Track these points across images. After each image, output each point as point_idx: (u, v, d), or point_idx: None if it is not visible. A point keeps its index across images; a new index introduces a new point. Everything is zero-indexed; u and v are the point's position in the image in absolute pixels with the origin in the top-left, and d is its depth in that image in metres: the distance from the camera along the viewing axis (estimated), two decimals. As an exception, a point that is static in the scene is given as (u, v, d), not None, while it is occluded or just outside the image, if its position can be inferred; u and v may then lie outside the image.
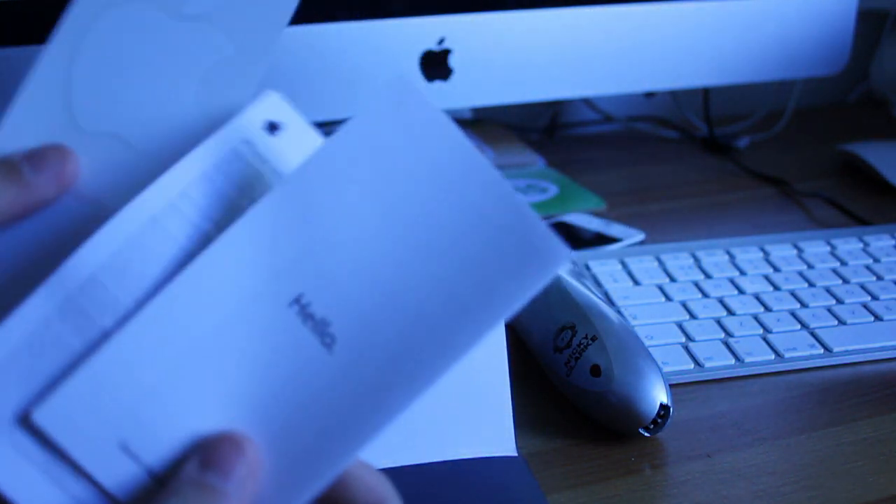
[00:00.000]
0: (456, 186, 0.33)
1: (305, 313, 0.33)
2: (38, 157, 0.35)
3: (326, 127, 0.97)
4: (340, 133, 0.34)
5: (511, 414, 0.48)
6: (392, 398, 0.32)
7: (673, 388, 0.54)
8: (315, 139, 0.37)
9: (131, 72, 0.36)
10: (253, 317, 0.33)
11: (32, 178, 0.34)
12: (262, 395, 0.32)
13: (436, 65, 0.82)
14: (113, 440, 0.32)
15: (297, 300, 0.33)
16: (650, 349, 0.53)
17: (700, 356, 0.58)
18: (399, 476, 0.45)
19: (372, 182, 0.33)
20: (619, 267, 0.68)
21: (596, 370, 0.51)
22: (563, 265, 0.34)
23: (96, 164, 0.36)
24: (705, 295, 0.65)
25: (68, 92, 0.36)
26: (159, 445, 0.32)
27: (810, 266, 0.69)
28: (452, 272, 0.32)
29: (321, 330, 0.32)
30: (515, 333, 0.60)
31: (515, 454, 0.48)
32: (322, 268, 0.33)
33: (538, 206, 0.82)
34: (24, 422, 0.32)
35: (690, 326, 0.61)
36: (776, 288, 0.66)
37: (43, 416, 0.32)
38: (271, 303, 0.32)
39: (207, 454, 0.32)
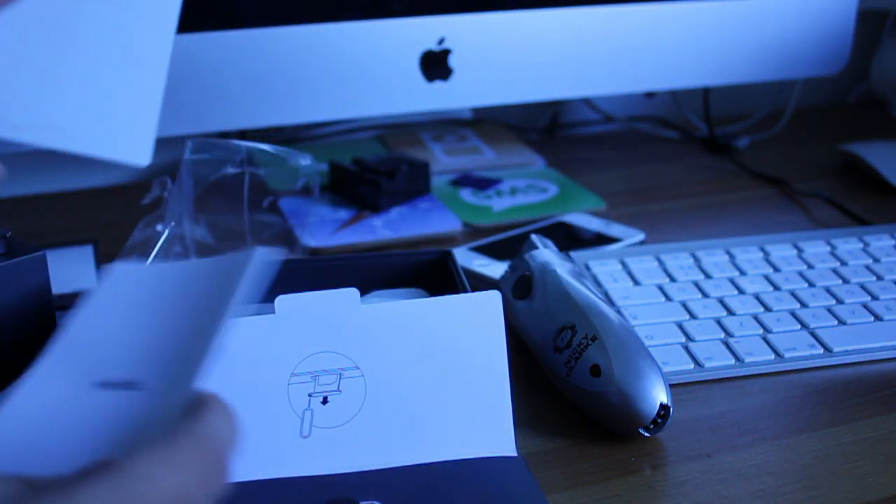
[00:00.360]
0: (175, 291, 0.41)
1: (110, 385, 0.37)
2: None
3: (325, 126, 0.97)
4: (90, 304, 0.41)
5: (511, 414, 0.48)
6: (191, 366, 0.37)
7: (673, 388, 0.54)
8: None
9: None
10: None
11: None
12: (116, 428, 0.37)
13: (436, 65, 0.82)
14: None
15: (99, 384, 0.37)
16: (650, 349, 0.53)
17: (700, 356, 0.58)
18: (399, 476, 0.45)
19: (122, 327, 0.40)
20: (619, 267, 0.68)
21: (596, 370, 0.51)
22: (259, 256, 0.40)
23: None
24: (705, 295, 0.65)
25: None
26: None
27: (810, 266, 0.69)
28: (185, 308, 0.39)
29: (129, 388, 0.37)
30: (515, 333, 0.60)
31: (515, 454, 0.48)
32: (107, 361, 0.38)
33: (538, 207, 0.82)
34: None
35: (690, 326, 0.61)
36: (776, 288, 0.66)
37: None
38: (79, 404, 0.37)
39: None
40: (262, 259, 0.40)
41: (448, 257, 0.56)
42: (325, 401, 0.47)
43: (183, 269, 0.42)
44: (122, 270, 0.43)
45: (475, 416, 0.48)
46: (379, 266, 0.57)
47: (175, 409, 0.35)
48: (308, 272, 0.56)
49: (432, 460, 0.47)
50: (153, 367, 0.38)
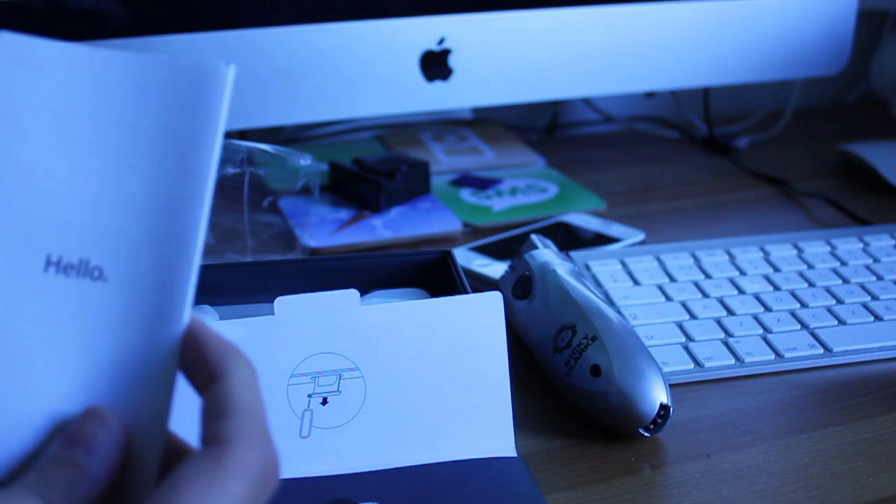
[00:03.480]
0: (89, 87, 0.33)
1: (63, 267, 0.33)
2: None
3: (325, 126, 0.97)
4: None
5: (511, 415, 0.48)
6: (179, 268, 0.33)
7: (673, 388, 0.54)
8: None
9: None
10: (25, 299, 0.33)
11: None
12: (83, 350, 0.33)
13: (436, 65, 0.82)
14: None
15: (48, 262, 0.33)
16: (650, 349, 0.53)
17: (700, 356, 0.58)
18: (399, 477, 0.45)
19: (35, 130, 0.33)
20: (619, 267, 0.68)
21: (596, 370, 0.51)
22: (226, 74, 0.35)
23: None
24: (705, 295, 0.65)
25: None
26: (16, 437, 0.32)
27: (810, 266, 0.69)
28: (146, 152, 0.33)
29: (85, 270, 0.33)
30: (515, 333, 0.60)
31: (515, 455, 0.48)
32: (48, 222, 0.33)
33: (538, 207, 0.82)
34: None
35: (690, 326, 0.61)
36: (776, 288, 0.66)
37: None
38: (30, 280, 0.33)
39: (71, 431, 0.32)
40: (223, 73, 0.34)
41: (448, 257, 0.56)
42: (324, 401, 0.47)
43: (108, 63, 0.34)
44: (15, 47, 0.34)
45: (475, 417, 0.48)
46: (379, 266, 0.57)
47: (169, 338, 0.32)
48: (308, 272, 0.56)
49: (432, 461, 0.47)
50: (111, 235, 0.33)
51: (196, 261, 0.33)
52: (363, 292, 0.55)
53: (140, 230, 0.33)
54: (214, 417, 0.31)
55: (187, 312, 0.33)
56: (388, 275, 0.57)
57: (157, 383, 0.33)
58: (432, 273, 0.57)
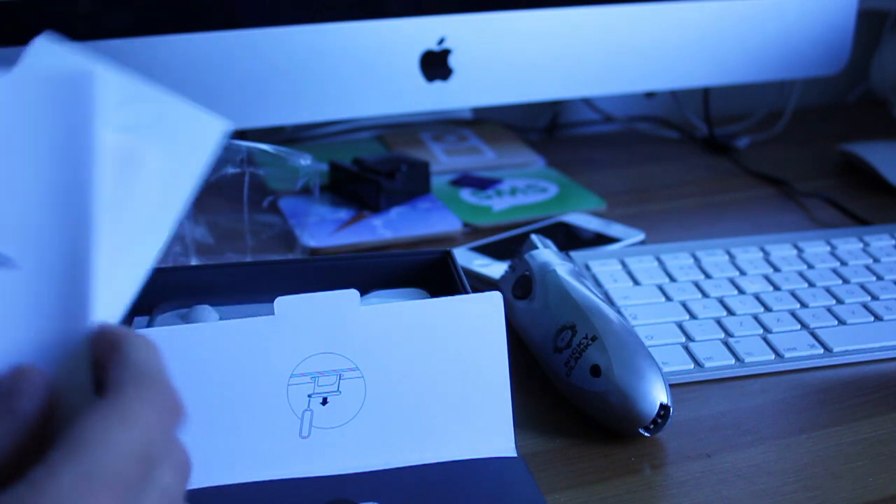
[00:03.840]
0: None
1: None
2: None
3: (325, 126, 0.97)
4: None
5: (511, 415, 0.48)
6: (78, 258, 0.35)
7: (673, 388, 0.54)
8: None
9: None
10: None
11: None
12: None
13: (436, 65, 0.82)
14: None
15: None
16: (650, 349, 0.53)
17: (700, 356, 0.58)
18: (399, 477, 0.45)
19: None
20: (619, 267, 0.68)
21: (596, 370, 0.51)
22: (99, 78, 0.36)
23: None
24: (705, 295, 0.65)
25: None
26: None
27: (810, 266, 0.69)
28: (31, 154, 0.35)
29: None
30: (515, 333, 0.60)
31: (515, 455, 0.48)
32: None
33: (538, 207, 0.82)
34: None
35: (690, 326, 0.61)
36: (776, 288, 0.66)
37: None
38: None
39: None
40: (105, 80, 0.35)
41: (448, 257, 0.56)
42: (324, 401, 0.47)
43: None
44: None
45: (475, 417, 0.48)
46: (379, 266, 0.57)
47: (79, 321, 0.34)
48: (308, 272, 0.56)
49: (432, 461, 0.47)
50: (21, 230, 0.35)
51: (92, 253, 0.34)
52: (363, 292, 0.55)
53: (40, 221, 0.35)
54: (111, 372, 0.33)
55: (93, 301, 0.35)
56: (388, 275, 0.57)
57: (71, 370, 0.35)
58: (432, 273, 0.57)
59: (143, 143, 0.37)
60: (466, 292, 0.52)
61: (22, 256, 0.35)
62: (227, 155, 0.67)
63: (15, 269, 0.35)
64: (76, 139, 0.35)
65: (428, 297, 0.56)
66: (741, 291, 0.65)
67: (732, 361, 0.58)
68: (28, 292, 0.35)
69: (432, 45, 0.81)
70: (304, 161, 0.69)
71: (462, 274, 0.54)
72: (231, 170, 0.67)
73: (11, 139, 0.35)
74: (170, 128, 0.38)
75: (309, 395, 0.47)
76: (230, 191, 0.68)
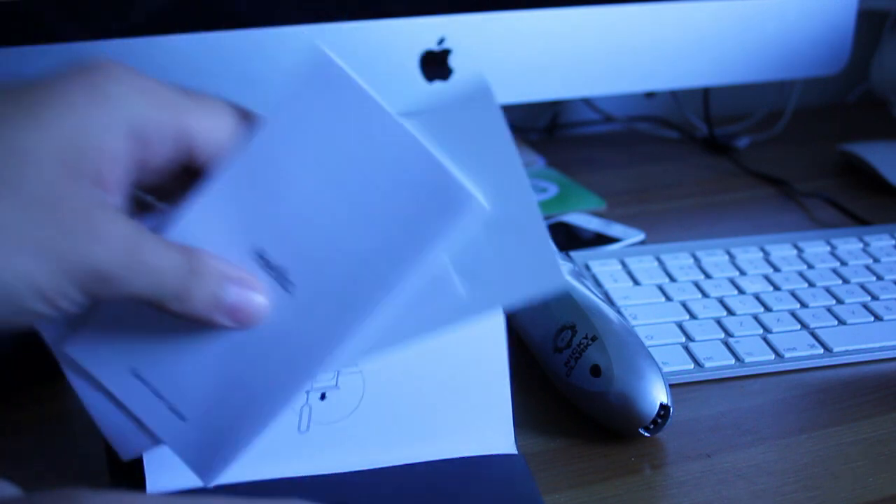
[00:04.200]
0: (378, 147, 0.39)
1: (266, 263, 0.38)
2: (248, 285, 0.38)
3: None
4: (279, 109, 0.39)
5: (511, 411, 0.48)
6: (343, 325, 0.38)
7: (673, 388, 0.54)
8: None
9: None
10: None
11: (228, 299, 0.37)
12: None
13: (436, 65, 0.82)
14: (126, 368, 0.40)
15: (258, 253, 0.38)
16: (650, 349, 0.53)
17: (700, 356, 0.58)
18: (399, 475, 0.45)
19: (311, 150, 0.38)
20: (619, 267, 0.68)
21: (596, 370, 0.51)
22: (473, 210, 0.39)
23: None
24: (705, 295, 0.65)
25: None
26: (165, 373, 0.40)
27: (810, 266, 0.69)
28: (382, 220, 0.38)
29: (281, 277, 0.38)
30: (515, 333, 0.60)
31: (515, 452, 0.48)
32: (276, 225, 0.38)
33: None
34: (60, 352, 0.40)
35: (690, 326, 0.61)
36: (776, 288, 0.66)
37: (72, 348, 0.40)
38: (237, 257, 0.38)
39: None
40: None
41: None
42: (322, 397, 0.47)
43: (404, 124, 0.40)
44: (330, 73, 0.40)
45: (475, 414, 0.48)
46: None
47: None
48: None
49: (431, 458, 0.47)
50: (315, 263, 0.38)
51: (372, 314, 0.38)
52: None
53: (334, 274, 0.38)
54: None
55: (319, 369, 0.39)
56: None
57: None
58: None
59: None
60: None
61: (302, 290, 0.38)
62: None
63: (290, 296, 0.38)
64: (424, 236, 0.38)
65: None
66: (741, 291, 0.65)
67: (732, 361, 0.58)
68: (281, 321, 0.38)
69: (432, 45, 0.81)
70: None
71: None
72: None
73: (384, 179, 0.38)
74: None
75: (307, 390, 0.47)
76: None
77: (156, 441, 0.41)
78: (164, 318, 0.37)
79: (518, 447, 0.48)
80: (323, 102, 0.39)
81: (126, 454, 0.42)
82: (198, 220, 0.38)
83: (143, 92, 0.35)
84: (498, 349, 0.48)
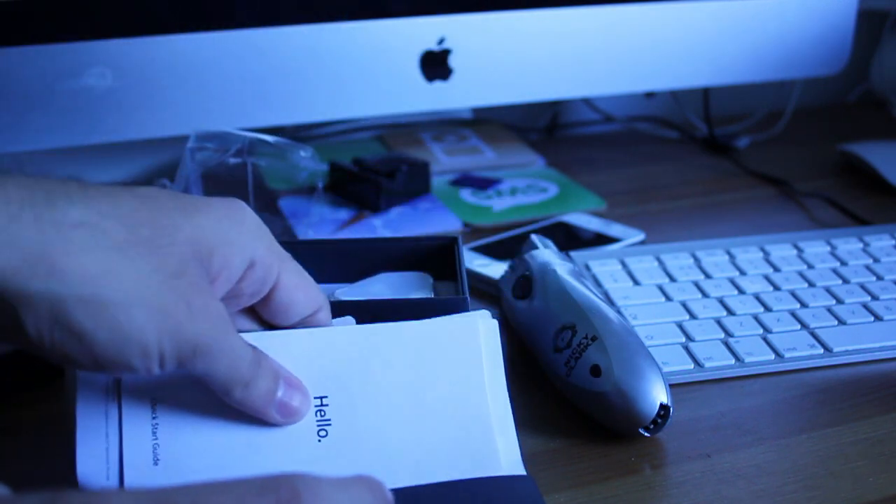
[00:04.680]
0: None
1: (320, 409, 0.44)
2: (294, 385, 0.43)
3: (325, 126, 0.97)
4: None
5: (515, 433, 0.46)
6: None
7: (673, 388, 0.54)
8: None
9: None
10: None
11: (279, 395, 0.42)
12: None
13: (436, 65, 0.82)
14: (149, 400, 0.42)
15: (320, 397, 0.44)
16: (650, 349, 0.53)
17: (700, 356, 0.58)
18: (408, 497, 0.42)
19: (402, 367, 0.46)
20: (619, 267, 0.68)
21: (596, 370, 0.51)
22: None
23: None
24: (705, 295, 0.65)
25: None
26: (177, 422, 0.42)
27: (810, 266, 0.69)
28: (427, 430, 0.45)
29: (323, 424, 0.43)
30: (515, 333, 0.60)
31: (524, 473, 0.45)
32: (347, 393, 0.44)
33: (538, 207, 0.82)
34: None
35: (690, 326, 0.61)
36: (776, 288, 0.66)
37: None
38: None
39: None
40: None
41: (455, 244, 0.56)
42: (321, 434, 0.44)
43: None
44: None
45: (478, 437, 0.45)
46: (387, 250, 0.57)
47: None
48: (316, 255, 0.56)
49: (437, 480, 0.44)
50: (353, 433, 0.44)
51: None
52: (370, 274, 0.55)
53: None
54: None
55: None
56: (396, 259, 0.57)
57: None
58: (440, 259, 0.57)
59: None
60: (463, 285, 0.51)
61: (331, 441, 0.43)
62: (228, 145, 0.67)
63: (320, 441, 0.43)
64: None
65: (431, 281, 0.55)
66: (741, 291, 0.65)
67: (732, 361, 0.58)
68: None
69: (432, 45, 0.81)
70: (305, 153, 0.69)
71: (463, 266, 0.54)
72: (233, 160, 0.67)
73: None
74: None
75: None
76: (234, 183, 0.68)
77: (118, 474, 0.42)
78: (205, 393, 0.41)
79: (527, 468, 0.46)
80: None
81: (85, 478, 0.41)
82: (287, 347, 0.44)
83: (264, 234, 0.43)
84: (493, 370, 0.46)
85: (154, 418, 0.42)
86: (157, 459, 0.41)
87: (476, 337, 0.47)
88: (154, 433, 0.42)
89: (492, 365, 0.46)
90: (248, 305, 0.44)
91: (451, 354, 0.46)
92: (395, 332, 0.46)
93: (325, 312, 0.46)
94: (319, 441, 0.43)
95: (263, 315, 0.45)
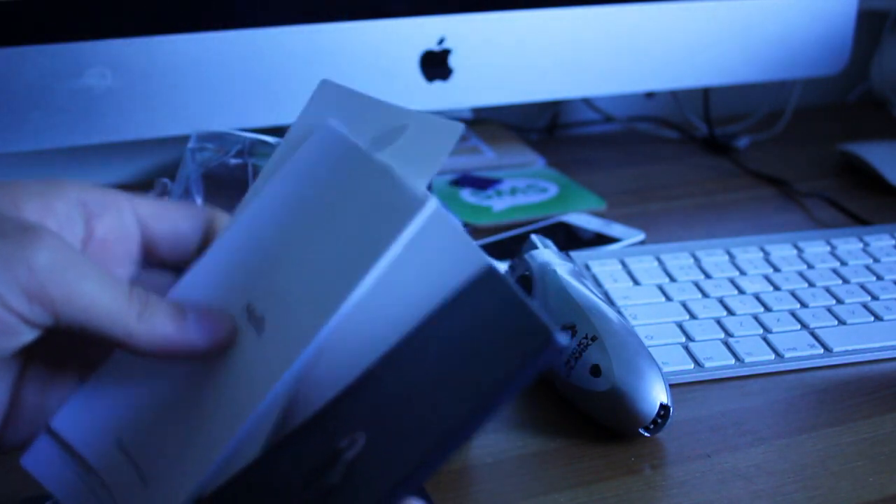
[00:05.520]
0: (349, 183, 0.38)
1: (251, 316, 0.38)
2: (206, 315, 0.38)
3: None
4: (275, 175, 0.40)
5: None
6: (296, 344, 0.35)
7: (673, 388, 0.54)
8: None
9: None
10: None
11: (193, 329, 0.37)
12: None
13: (436, 65, 0.82)
14: (112, 440, 0.38)
15: (247, 307, 0.38)
16: (650, 349, 0.53)
17: (700, 356, 0.58)
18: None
19: (295, 203, 0.39)
20: (619, 267, 0.68)
21: (596, 370, 0.51)
22: (422, 214, 0.34)
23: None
24: (705, 295, 0.65)
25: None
26: (147, 446, 0.38)
27: (810, 266, 0.69)
28: (342, 244, 0.37)
29: (260, 324, 0.37)
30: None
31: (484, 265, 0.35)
32: (262, 279, 0.38)
33: (538, 207, 0.82)
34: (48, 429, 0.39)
35: (690, 326, 0.61)
36: (776, 288, 0.66)
37: (58, 423, 0.39)
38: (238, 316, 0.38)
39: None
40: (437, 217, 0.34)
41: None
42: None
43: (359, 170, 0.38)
44: (328, 138, 0.39)
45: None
46: None
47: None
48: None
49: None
50: (282, 302, 0.37)
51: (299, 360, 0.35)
52: None
53: (297, 305, 0.37)
54: None
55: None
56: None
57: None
58: None
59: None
60: None
61: (272, 318, 0.37)
62: (229, 145, 0.67)
63: (264, 331, 0.37)
64: (372, 248, 0.35)
65: None
66: (741, 291, 0.65)
67: (732, 361, 0.58)
68: (252, 354, 0.37)
69: (432, 45, 0.81)
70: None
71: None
72: (233, 160, 0.67)
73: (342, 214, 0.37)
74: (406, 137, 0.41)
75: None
76: (235, 183, 0.68)
77: None
78: (144, 386, 0.38)
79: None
80: (316, 160, 0.40)
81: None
82: (193, 284, 0.39)
83: (91, 185, 0.39)
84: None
85: (127, 453, 0.39)
86: (145, 480, 0.38)
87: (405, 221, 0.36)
88: (133, 463, 0.39)
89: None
90: (155, 260, 0.40)
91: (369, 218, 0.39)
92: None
93: (219, 219, 0.41)
94: (259, 336, 0.38)
95: (168, 259, 0.41)
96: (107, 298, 0.35)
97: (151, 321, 0.36)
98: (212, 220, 0.41)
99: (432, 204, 0.35)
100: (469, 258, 0.35)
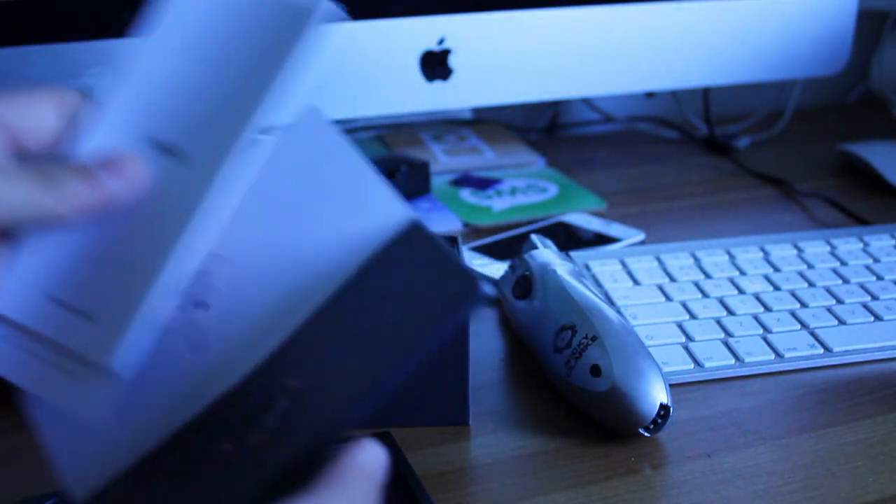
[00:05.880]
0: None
1: (157, 143, 0.39)
2: (112, 163, 0.38)
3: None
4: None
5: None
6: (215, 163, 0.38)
7: (673, 388, 0.54)
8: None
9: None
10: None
11: (107, 181, 0.38)
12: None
13: (436, 65, 0.82)
14: (46, 298, 0.39)
15: (149, 138, 0.39)
16: (650, 349, 0.53)
17: (700, 356, 0.58)
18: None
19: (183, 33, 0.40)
20: (619, 267, 0.68)
21: (596, 370, 0.51)
22: (317, 15, 0.40)
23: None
24: (705, 295, 0.65)
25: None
26: (85, 289, 0.38)
27: (810, 266, 0.69)
28: (239, 62, 0.41)
29: (172, 149, 0.39)
30: (515, 333, 0.60)
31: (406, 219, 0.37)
32: (163, 109, 0.39)
33: (538, 207, 0.82)
34: None
35: (690, 326, 0.61)
36: (776, 288, 0.66)
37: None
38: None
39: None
40: (324, 15, 0.38)
41: (455, 244, 0.56)
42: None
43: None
44: None
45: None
46: None
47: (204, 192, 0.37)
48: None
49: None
50: (193, 128, 0.39)
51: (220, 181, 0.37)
52: None
53: (210, 118, 0.39)
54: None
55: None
56: None
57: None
58: None
59: None
60: None
61: (185, 144, 0.38)
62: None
63: (182, 160, 0.38)
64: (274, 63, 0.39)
65: None
66: (741, 291, 0.65)
67: (732, 361, 0.58)
68: (177, 174, 0.38)
69: (432, 45, 0.81)
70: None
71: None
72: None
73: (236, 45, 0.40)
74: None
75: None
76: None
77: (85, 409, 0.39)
78: (72, 241, 0.38)
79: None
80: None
81: (77, 488, 0.39)
82: (95, 134, 0.39)
83: None
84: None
85: (62, 302, 0.39)
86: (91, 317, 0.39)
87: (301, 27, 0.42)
88: (69, 308, 0.39)
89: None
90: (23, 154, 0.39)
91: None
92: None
93: (69, 96, 0.40)
94: (180, 162, 0.39)
95: (33, 148, 0.39)
96: (18, 192, 0.36)
97: (65, 192, 0.37)
98: (63, 98, 0.40)
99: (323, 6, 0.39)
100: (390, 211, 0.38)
